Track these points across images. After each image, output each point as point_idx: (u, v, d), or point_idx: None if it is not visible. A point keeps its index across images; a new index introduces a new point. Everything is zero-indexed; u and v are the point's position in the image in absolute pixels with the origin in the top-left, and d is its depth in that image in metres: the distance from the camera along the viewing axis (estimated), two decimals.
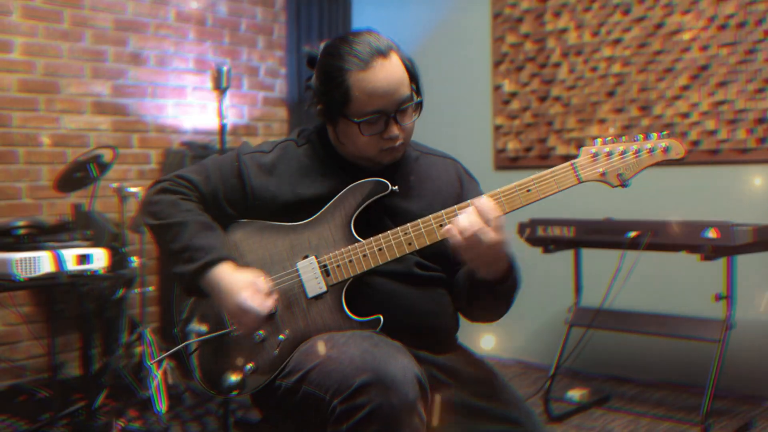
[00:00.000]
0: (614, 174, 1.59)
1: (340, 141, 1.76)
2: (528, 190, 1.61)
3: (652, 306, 3.67)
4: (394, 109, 1.67)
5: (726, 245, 2.94)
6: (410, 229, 1.65)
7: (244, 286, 1.66)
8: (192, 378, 1.80)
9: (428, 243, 1.64)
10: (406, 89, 1.68)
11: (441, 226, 1.63)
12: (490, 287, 1.65)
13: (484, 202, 1.54)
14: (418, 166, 1.84)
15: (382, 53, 1.65)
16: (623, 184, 1.59)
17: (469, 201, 1.59)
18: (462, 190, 1.83)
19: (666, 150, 1.57)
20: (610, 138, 1.61)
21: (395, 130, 1.69)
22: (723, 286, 3.12)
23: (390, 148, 1.72)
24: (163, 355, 3.32)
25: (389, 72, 1.65)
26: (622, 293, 3.29)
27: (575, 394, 3.63)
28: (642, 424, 3.34)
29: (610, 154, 1.59)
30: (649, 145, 1.57)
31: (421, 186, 1.80)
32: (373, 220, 1.72)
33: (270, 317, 1.68)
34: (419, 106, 1.73)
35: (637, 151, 1.58)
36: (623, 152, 1.59)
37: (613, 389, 3.83)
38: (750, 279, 3.44)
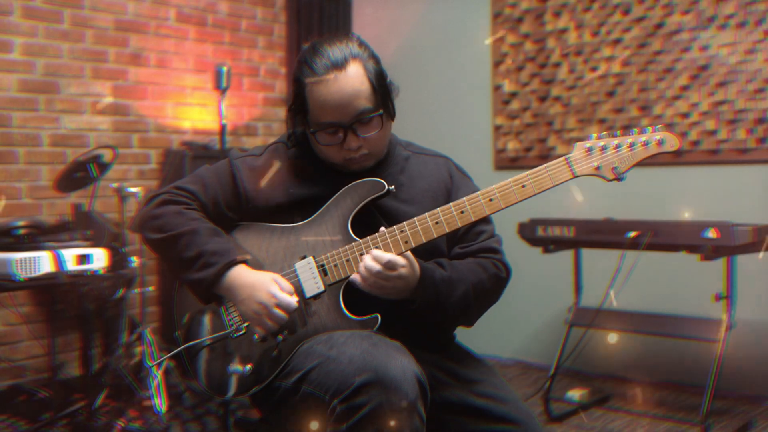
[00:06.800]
0: (609, 167, 1.60)
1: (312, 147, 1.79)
2: (523, 186, 1.62)
3: (652, 306, 3.67)
4: (349, 121, 1.68)
5: (726, 245, 2.94)
6: (406, 227, 1.65)
7: (269, 281, 1.66)
8: (191, 379, 1.79)
9: (424, 241, 1.65)
10: (363, 102, 1.68)
11: (437, 223, 1.64)
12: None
13: (375, 251, 1.62)
14: (408, 165, 1.85)
15: (338, 66, 1.66)
16: (618, 178, 1.60)
17: (372, 251, 1.64)
18: (453, 185, 1.84)
19: (660, 142, 1.58)
20: (605, 133, 1.62)
21: (353, 142, 1.70)
22: (723, 286, 3.12)
23: (352, 158, 1.72)
24: (164, 357, 3.32)
25: (342, 85, 1.66)
26: (622, 293, 3.29)
27: (575, 394, 3.63)
28: (642, 424, 3.34)
29: (604, 148, 1.60)
30: (643, 138, 1.58)
31: (412, 184, 1.81)
32: (365, 219, 1.72)
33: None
34: (383, 117, 1.72)
35: (632, 145, 1.59)
36: (618, 146, 1.60)
37: (613, 389, 3.83)
38: (750, 279, 3.44)
